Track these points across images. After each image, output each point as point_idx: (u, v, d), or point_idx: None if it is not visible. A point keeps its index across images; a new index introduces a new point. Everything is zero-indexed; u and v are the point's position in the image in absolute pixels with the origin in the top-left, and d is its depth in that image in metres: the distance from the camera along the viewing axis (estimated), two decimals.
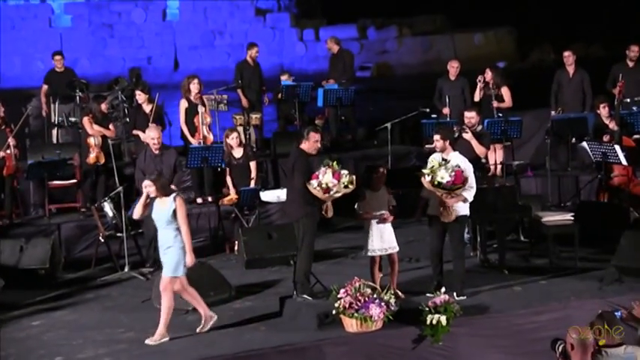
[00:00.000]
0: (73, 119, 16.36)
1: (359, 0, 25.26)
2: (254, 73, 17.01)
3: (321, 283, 11.22)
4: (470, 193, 10.86)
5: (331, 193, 10.62)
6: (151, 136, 13.17)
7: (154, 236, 12.71)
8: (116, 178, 14.26)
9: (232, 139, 14.02)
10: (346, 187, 10.61)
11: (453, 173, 10.66)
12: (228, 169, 13.99)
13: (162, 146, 13.21)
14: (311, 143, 10.93)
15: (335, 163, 10.69)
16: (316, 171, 10.75)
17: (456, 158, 10.98)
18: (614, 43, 20.80)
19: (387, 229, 11.03)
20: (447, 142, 11.05)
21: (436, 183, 10.69)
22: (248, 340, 10.00)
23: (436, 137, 11.08)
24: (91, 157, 14.36)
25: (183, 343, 10.01)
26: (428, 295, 10.68)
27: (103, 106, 14.79)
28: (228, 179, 13.93)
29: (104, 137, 14.55)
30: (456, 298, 10.78)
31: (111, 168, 14.49)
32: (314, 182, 10.64)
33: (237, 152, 14.03)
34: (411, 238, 13.47)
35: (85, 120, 14.62)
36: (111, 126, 14.84)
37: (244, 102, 16.82)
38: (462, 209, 10.99)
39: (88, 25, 24.79)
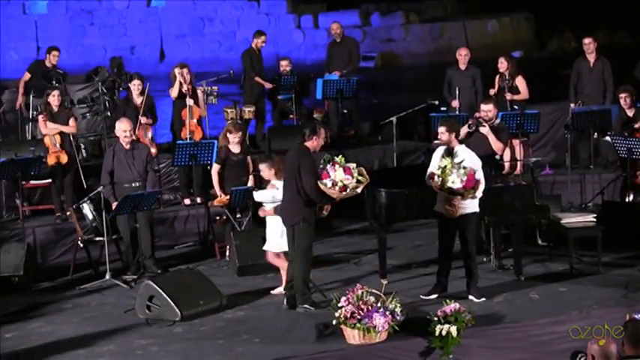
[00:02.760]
0: None
1: None
2: (259, 63, 17.14)
3: (321, 292, 11.25)
4: (479, 190, 10.93)
5: (348, 190, 10.59)
6: (122, 128, 12.95)
7: (131, 240, 12.78)
8: (82, 177, 14.39)
9: (235, 137, 13.46)
10: (359, 181, 10.58)
11: (465, 177, 10.68)
12: (215, 168, 13.70)
13: (134, 141, 13.14)
14: (320, 140, 10.94)
15: (340, 157, 10.66)
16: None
17: (463, 152, 11.03)
18: None
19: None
20: (453, 135, 11.13)
21: (446, 188, 10.71)
22: (240, 353, 10.00)
23: (441, 130, 11.18)
24: (50, 158, 14.34)
25: (169, 356, 10.02)
26: (422, 297, 10.85)
27: (51, 99, 14.54)
28: (216, 179, 13.43)
29: (63, 134, 14.50)
30: (476, 300, 10.97)
31: (76, 168, 14.54)
32: (327, 182, 10.57)
33: (236, 148, 13.80)
34: (418, 242, 13.49)
35: (40, 119, 14.57)
36: (71, 121, 14.64)
37: (267, 85, 16.98)
38: (472, 206, 11.05)
39: (65, 12, 24.81)
